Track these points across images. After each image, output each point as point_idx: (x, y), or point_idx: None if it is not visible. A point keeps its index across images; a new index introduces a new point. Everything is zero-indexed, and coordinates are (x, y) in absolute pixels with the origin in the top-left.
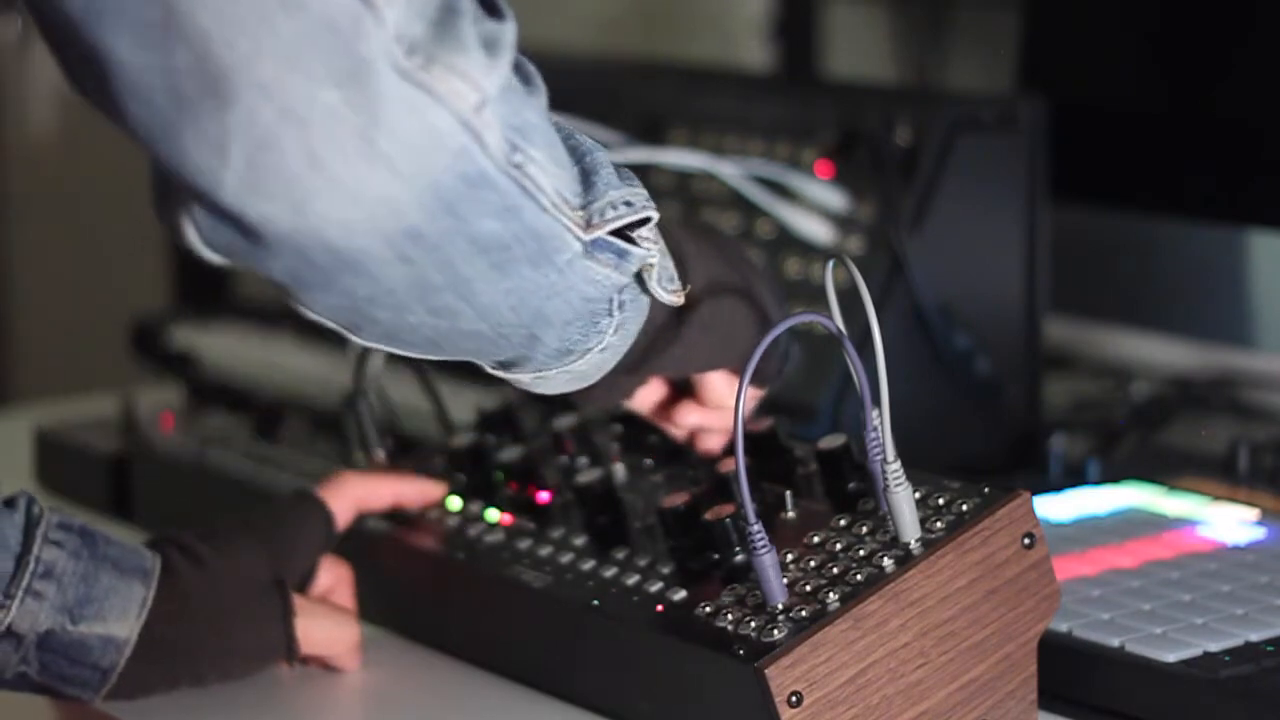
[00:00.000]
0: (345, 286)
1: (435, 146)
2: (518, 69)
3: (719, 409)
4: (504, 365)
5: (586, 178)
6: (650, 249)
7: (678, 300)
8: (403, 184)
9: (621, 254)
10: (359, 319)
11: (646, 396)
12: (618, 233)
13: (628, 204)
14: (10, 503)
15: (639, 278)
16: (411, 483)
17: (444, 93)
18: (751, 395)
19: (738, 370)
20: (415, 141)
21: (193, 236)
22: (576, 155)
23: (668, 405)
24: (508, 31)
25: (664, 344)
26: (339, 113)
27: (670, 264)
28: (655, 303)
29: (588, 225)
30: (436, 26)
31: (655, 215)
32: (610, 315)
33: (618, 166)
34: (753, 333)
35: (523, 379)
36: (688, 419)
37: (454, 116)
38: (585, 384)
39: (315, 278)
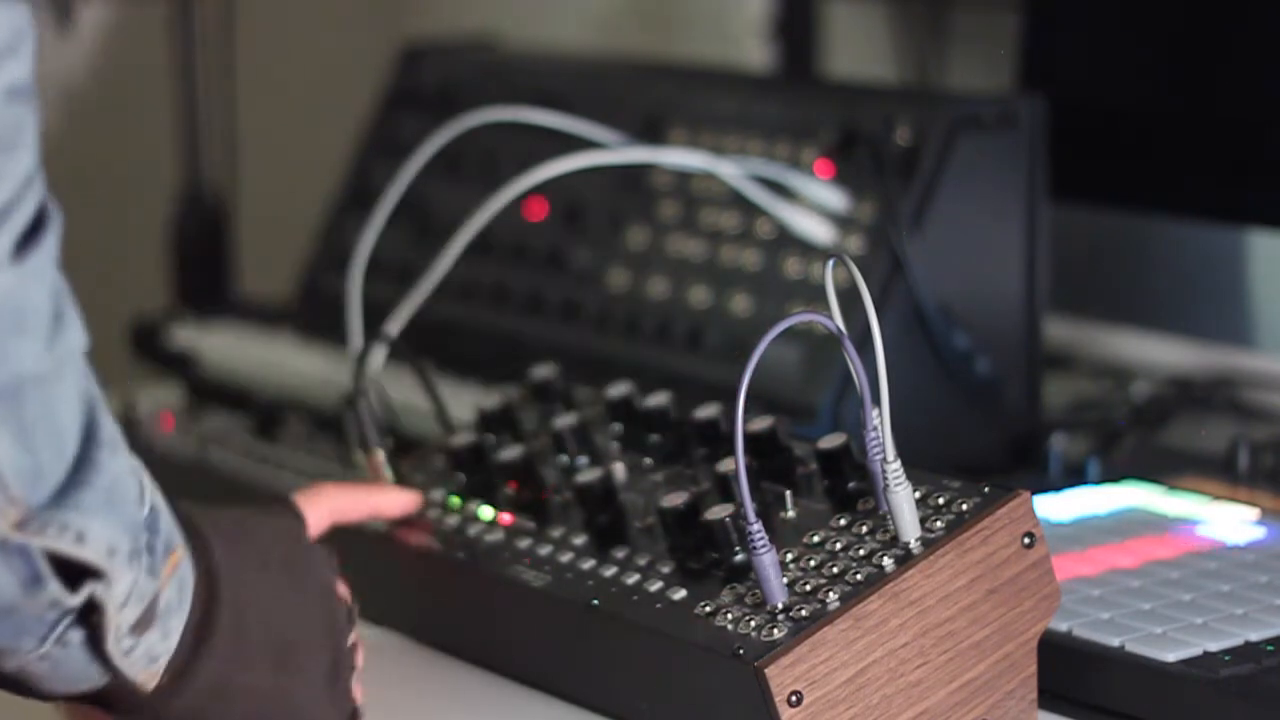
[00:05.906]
0: None
1: None
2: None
3: None
4: None
5: (68, 485)
6: (86, 601)
7: (143, 681)
8: None
9: (36, 579)
10: None
11: None
12: (67, 565)
13: (79, 538)
14: None
15: (92, 631)
16: (389, 494)
17: None
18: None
19: None
20: None
21: None
22: (78, 462)
23: None
24: None
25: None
26: None
27: (163, 644)
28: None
29: (20, 524)
30: None
31: (112, 573)
32: (43, 640)
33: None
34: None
35: None
36: None
37: None
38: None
39: None
